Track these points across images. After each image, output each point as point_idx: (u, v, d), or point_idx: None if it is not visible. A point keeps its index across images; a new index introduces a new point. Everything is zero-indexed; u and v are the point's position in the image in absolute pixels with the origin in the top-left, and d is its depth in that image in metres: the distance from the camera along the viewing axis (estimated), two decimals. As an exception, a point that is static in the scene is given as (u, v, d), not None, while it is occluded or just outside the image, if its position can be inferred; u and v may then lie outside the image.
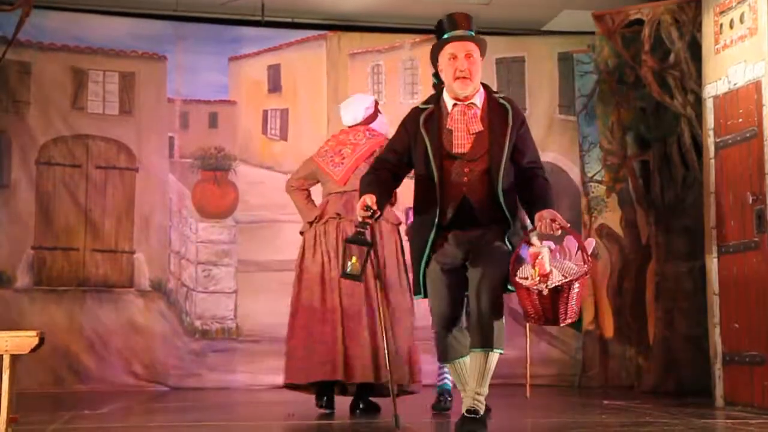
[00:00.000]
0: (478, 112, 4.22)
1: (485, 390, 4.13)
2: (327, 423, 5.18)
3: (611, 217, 8.05)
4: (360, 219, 4.18)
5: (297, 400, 5.88)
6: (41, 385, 7.39)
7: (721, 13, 5.99)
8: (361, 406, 5.45)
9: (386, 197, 4.30)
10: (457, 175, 4.16)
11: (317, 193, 5.77)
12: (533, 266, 3.94)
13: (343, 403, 5.50)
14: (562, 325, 3.98)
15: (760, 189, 5.52)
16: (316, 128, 8.45)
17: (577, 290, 3.90)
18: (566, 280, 3.88)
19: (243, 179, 8.25)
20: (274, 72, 8.47)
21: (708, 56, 6.17)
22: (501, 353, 4.11)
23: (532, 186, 4.19)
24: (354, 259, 4.45)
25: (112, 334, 7.77)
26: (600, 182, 8.20)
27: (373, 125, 5.69)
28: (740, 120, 5.76)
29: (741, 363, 5.67)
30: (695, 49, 6.75)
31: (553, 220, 3.97)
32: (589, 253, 4.02)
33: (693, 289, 7.00)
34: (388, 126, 5.65)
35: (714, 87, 6.05)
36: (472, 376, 4.14)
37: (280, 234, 8.21)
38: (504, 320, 4.13)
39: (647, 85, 7.19)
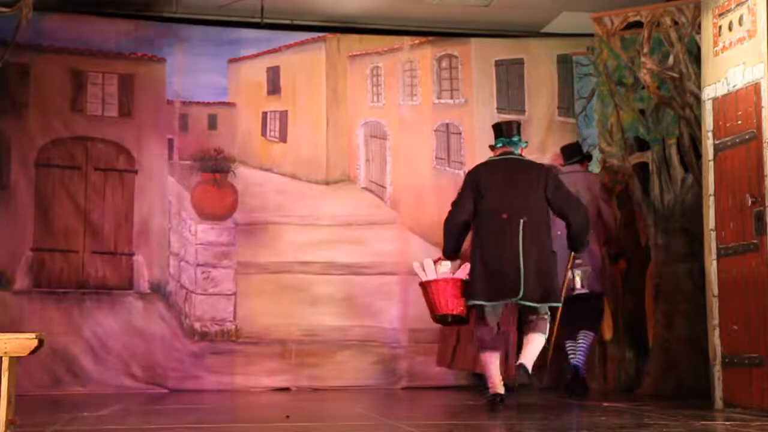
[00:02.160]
0: None
1: None
2: (326, 425, 5.18)
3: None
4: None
5: (294, 403, 5.88)
6: (40, 388, 7.39)
7: (720, 15, 6.00)
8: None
9: None
10: None
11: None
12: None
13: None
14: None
15: (759, 191, 5.52)
16: (316, 130, 8.46)
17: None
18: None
19: (242, 181, 8.25)
20: (274, 74, 8.47)
21: (707, 58, 6.17)
22: None
23: None
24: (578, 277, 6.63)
25: (111, 337, 7.77)
26: (599, 184, 8.19)
27: None
28: (739, 122, 5.76)
29: (740, 365, 5.67)
30: (694, 51, 6.76)
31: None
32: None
33: (692, 290, 6.99)
34: None
35: (713, 89, 6.05)
36: None
37: (280, 236, 8.23)
38: None
39: (646, 86, 7.20)
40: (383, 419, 5.42)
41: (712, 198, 6.02)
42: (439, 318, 6.00)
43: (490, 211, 5.81)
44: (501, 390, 5.77)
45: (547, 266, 5.75)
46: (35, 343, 3.75)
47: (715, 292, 5.94)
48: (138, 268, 7.97)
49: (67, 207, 7.88)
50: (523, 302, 5.72)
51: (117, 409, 6.09)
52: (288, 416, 5.53)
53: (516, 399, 6.39)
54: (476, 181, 5.93)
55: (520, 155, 6.04)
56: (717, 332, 5.90)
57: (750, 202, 5.59)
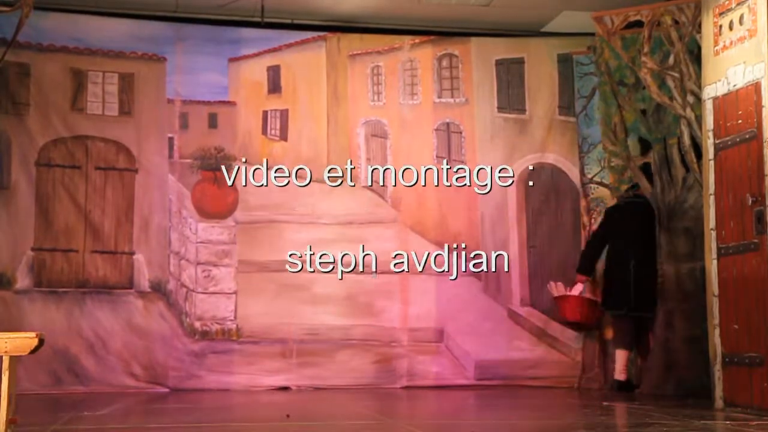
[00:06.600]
0: None
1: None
2: (326, 424, 5.18)
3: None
4: None
5: (295, 402, 5.88)
6: (41, 387, 7.39)
7: (721, 14, 6.00)
8: None
9: None
10: None
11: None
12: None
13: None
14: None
15: (759, 190, 5.52)
16: (316, 129, 8.46)
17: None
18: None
19: (243, 180, 8.24)
20: (274, 73, 8.47)
21: (707, 58, 6.17)
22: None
23: None
24: None
25: (112, 336, 7.77)
26: (600, 183, 8.21)
27: None
28: (739, 121, 5.77)
29: (740, 364, 5.67)
30: (695, 51, 6.75)
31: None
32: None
33: (693, 290, 6.99)
34: None
35: (713, 88, 6.05)
36: None
37: (280, 234, 8.23)
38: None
39: (647, 86, 7.20)
40: (383, 419, 5.42)
41: (712, 197, 6.03)
42: (567, 324, 7.95)
43: (616, 242, 7.67)
44: (618, 377, 7.52)
45: (649, 283, 7.41)
46: (36, 342, 3.75)
47: (716, 291, 5.94)
48: (138, 267, 7.97)
49: (67, 206, 7.88)
50: (633, 313, 7.48)
51: (117, 409, 6.09)
52: (288, 415, 5.53)
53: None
54: (609, 215, 7.88)
55: (642, 196, 7.66)
56: (717, 331, 5.91)
57: (750, 202, 5.59)
